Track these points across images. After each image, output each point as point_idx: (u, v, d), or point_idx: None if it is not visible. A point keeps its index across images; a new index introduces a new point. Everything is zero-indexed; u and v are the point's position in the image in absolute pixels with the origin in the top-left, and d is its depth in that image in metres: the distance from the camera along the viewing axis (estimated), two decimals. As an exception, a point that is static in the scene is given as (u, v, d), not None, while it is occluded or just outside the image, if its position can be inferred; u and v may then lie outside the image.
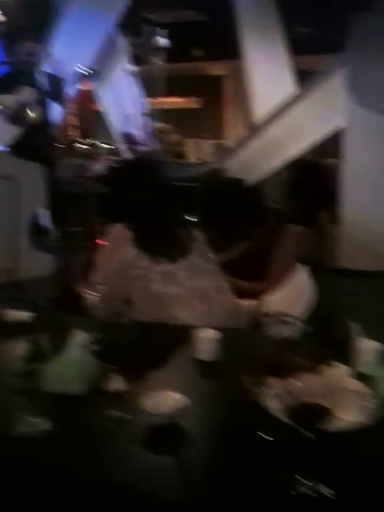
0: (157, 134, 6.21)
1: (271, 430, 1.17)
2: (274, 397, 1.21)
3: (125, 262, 1.95)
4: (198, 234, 2.09)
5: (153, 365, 1.47)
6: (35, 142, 4.63)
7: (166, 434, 1.22)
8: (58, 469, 1.14)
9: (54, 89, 4.75)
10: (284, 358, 1.34)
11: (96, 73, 4.75)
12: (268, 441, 1.16)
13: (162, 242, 1.98)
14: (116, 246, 2.00)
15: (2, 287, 3.97)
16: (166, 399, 1.26)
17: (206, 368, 1.54)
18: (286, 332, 1.46)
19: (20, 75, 4.76)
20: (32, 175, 4.36)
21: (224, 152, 6.91)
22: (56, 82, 4.78)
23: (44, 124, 4.70)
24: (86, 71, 4.66)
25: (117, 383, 1.36)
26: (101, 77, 6.73)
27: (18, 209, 3.99)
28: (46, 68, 4.83)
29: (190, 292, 1.96)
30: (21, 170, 4.16)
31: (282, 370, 1.25)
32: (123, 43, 6.77)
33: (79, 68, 4.65)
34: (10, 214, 3.96)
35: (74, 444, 1.22)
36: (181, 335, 1.69)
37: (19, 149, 4.77)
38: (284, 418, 1.10)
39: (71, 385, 1.38)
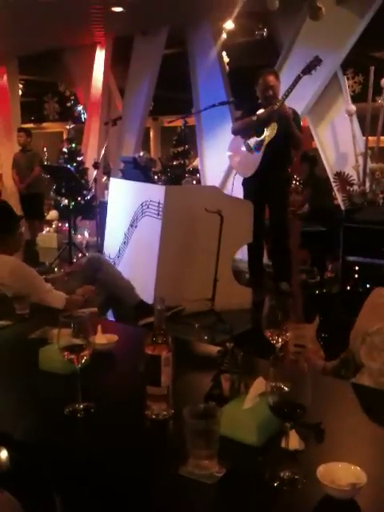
0: (372, 174, 5.96)
1: None
2: None
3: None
4: None
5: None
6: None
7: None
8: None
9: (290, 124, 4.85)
10: None
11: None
12: None
13: None
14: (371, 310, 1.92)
15: (201, 315, 4.14)
16: (344, 472, 1.15)
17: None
18: None
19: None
20: (236, 211, 4.49)
21: None
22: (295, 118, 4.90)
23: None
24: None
25: (294, 442, 1.28)
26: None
27: (222, 242, 4.12)
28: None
29: None
30: (227, 206, 4.30)
31: None
32: (345, 81, 6.69)
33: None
34: (216, 247, 4.11)
35: (239, 494, 1.18)
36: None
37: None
38: None
39: (246, 433, 1.34)
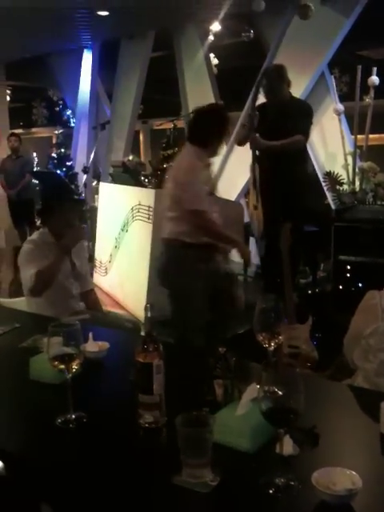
0: (362, 173, 5.97)
1: None
2: None
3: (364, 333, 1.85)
4: None
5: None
6: None
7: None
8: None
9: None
10: None
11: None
12: None
13: None
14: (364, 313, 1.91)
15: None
16: (339, 477, 1.14)
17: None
18: None
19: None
20: (227, 213, 4.45)
21: None
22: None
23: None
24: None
25: (288, 448, 1.27)
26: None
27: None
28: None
29: None
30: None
31: None
32: (332, 81, 6.69)
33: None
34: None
35: (234, 503, 1.16)
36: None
37: None
38: None
39: (240, 440, 1.33)
